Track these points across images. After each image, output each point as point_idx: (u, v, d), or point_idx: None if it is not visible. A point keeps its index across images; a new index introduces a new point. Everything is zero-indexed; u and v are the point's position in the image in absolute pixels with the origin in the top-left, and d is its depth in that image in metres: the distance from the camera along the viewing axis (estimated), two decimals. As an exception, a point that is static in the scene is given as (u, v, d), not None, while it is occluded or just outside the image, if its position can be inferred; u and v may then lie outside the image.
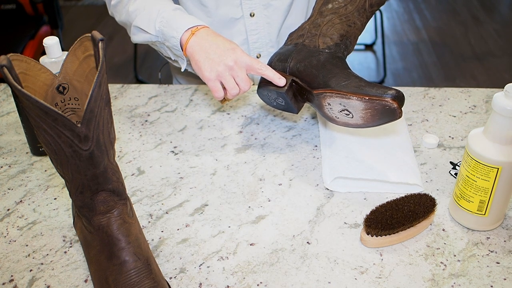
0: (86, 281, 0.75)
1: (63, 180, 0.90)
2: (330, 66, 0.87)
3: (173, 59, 1.06)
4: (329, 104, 0.85)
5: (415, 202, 0.79)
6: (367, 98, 0.80)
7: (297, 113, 0.94)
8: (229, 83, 0.93)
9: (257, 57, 1.19)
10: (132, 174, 0.94)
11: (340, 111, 0.85)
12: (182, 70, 1.04)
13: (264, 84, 0.93)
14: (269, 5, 1.13)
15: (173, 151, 0.99)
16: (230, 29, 1.15)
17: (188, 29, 0.96)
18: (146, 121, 1.07)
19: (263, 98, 0.97)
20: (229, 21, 1.14)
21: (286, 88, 0.90)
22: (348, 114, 0.84)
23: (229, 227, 0.83)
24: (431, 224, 0.82)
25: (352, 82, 0.83)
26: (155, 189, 0.91)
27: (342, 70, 0.86)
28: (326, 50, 0.90)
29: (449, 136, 1.00)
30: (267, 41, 1.17)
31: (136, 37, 1.06)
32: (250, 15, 1.13)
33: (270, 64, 0.96)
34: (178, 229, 0.83)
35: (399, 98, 0.79)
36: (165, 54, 1.07)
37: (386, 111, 0.80)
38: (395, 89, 0.80)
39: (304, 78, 0.89)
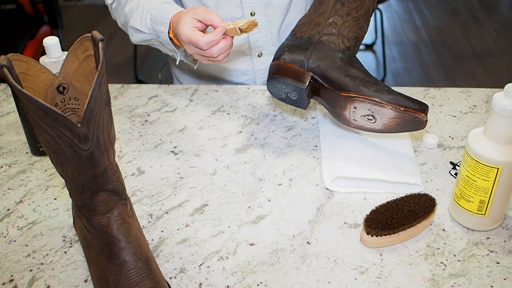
0: (86, 281, 0.75)
1: (63, 180, 0.90)
2: (355, 70, 0.89)
3: (170, 54, 1.07)
4: (355, 107, 0.87)
5: (415, 202, 0.79)
6: (402, 109, 0.84)
7: (305, 109, 0.94)
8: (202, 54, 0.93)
9: (259, 56, 1.19)
10: (132, 174, 0.94)
11: (364, 116, 0.87)
12: (177, 63, 1.06)
13: (281, 76, 0.92)
14: (269, 3, 1.13)
15: (173, 151, 0.99)
16: None
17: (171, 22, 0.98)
18: (146, 121, 1.07)
19: (272, 89, 0.95)
20: (229, 21, 1.14)
21: (307, 84, 0.90)
22: (371, 120, 0.87)
23: (229, 227, 0.83)
24: (431, 224, 0.82)
25: (382, 89, 0.86)
26: (155, 189, 0.91)
27: (367, 75, 0.89)
28: (347, 52, 0.91)
29: (449, 136, 1.00)
30: (268, 40, 1.18)
31: (134, 38, 1.08)
32: (251, 14, 1.14)
33: (278, 56, 0.93)
34: (178, 229, 0.83)
35: (427, 112, 0.86)
36: (163, 51, 1.08)
37: (415, 122, 0.85)
38: (424, 103, 0.86)
39: (327, 76, 0.89)
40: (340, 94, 0.88)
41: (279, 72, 0.92)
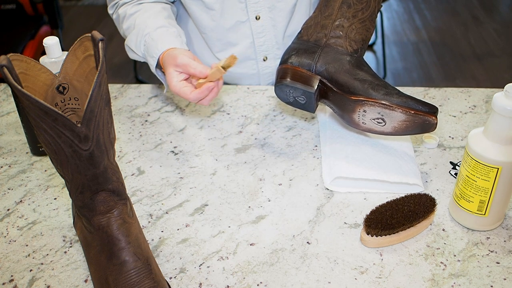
0: (86, 281, 0.75)
1: (63, 180, 0.90)
2: (364, 73, 0.89)
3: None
4: (364, 111, 0.87)
5: (415, 202, 0.79)
6: (413, 112, 0.84)
7: (313, 113, 0.94)
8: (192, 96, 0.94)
9: (264, 60, 1.19)
10: (132, 174, 0.94)
11: (373, 119, 0.87)
12: (165, 92, 1.08)
13: (289, 81, 0.91)
14: (274, 7, 1.13)
15: (173, 151, 0.99)
16: (236, 32, 1.15)
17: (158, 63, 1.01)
18: (146, 121, 1.07)
19: (280, 93, 0.94)
20: (235, 25, 1.14)
21: (315, 87, 0.90)
22: (381, 123, 0.87)
23: (229, 227, 0.83)
24: (431, 224, 0.82)
25: (391, 92, 0.86)
26: (155, 189, 0.91)
27: (375, 77, 0.89)
28: (355, 55, 0.91)
29: (449, 136, 1.00)
30: (273, 43, 1.17)
31: (130, 55, 1.11)
32: (256, 18, 1.13)
33: (286, 59, 0.93)
34: (178, 229, 0.83)
35: (437, 114, 0.86)
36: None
37: (424, 125, 0.85)
38: (434, 105, 0.86)
39: (336, 80, 0.89)
40: (349, 98, 0.88)
41: (286, 76, 0.92)
